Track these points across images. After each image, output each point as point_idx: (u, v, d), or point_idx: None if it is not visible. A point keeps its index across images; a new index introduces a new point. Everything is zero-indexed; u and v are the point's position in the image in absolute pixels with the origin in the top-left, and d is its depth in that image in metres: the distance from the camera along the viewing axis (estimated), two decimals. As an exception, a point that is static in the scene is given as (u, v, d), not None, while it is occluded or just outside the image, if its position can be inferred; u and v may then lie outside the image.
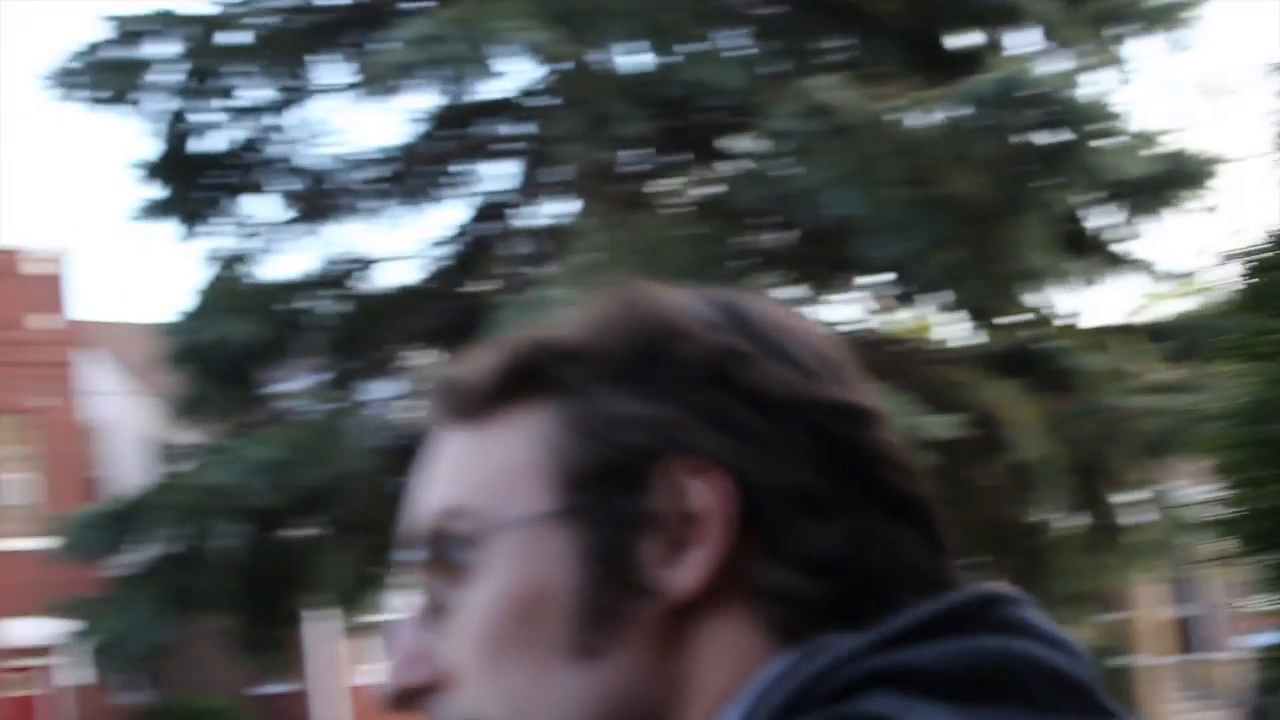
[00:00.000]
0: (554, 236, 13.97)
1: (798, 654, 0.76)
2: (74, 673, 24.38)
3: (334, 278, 15.04)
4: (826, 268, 13.19)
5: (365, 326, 14.58)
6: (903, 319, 14.08)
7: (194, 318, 14.39)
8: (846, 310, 14.12)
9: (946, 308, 13.28)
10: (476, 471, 0.82)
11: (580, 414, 0.81)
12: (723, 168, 13.87)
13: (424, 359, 15.42)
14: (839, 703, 0.73)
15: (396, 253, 15.47)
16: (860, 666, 0.74)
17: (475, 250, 15.16)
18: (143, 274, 67.85)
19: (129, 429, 27.98)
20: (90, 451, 26.50)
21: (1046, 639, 0.78)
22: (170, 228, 14.94)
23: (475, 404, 0.83)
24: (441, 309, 14.60)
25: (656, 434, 0.79)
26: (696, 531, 0.78)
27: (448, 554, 0.82)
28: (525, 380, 0.82)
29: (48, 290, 26.74)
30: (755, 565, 0.78)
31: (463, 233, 15.38)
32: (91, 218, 67.68)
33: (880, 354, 13.20)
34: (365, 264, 15.20)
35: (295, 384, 15.45)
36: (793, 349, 0.81)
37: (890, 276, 12.94)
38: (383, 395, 15.34)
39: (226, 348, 14.02)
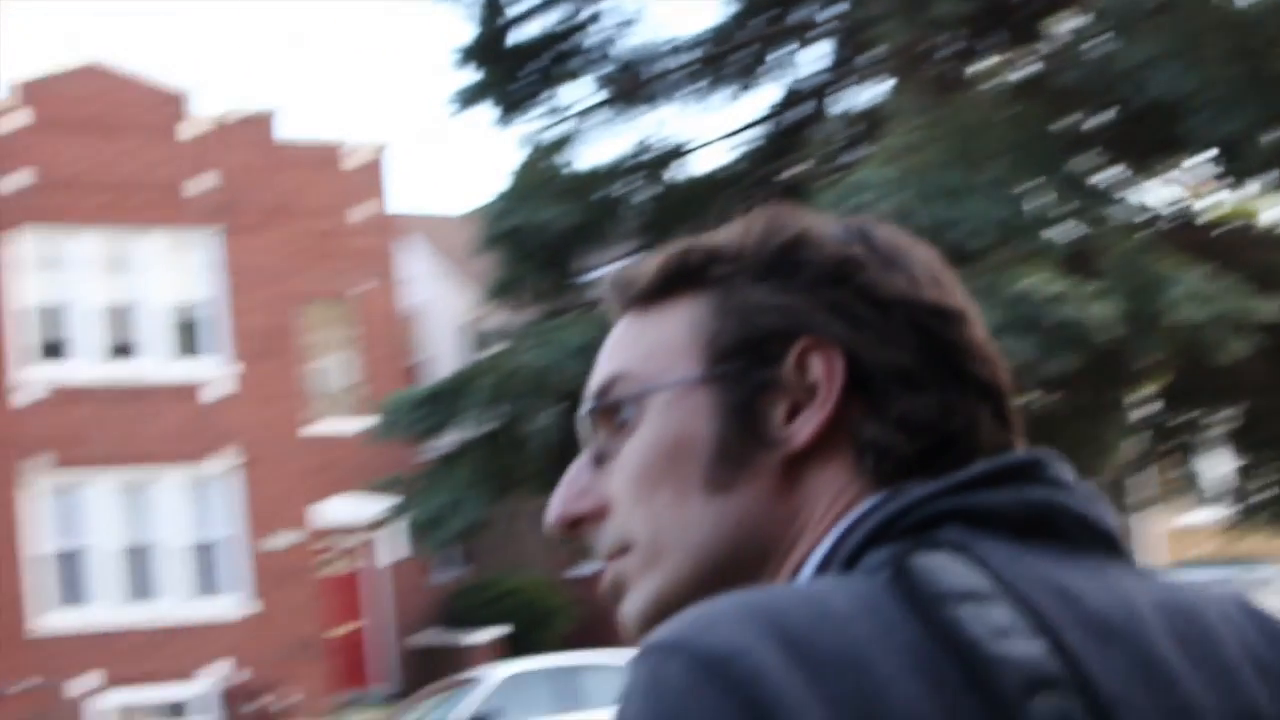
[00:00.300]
0: (868, 120, 14.32)
1: (885, 494, 1.02)
2: (392, 551, 26.00)
3: (647, 163, 15.60)
4: (1148, 148, 13.24)
5: (677, 211, 15.11)
6: (1228, 200, 14.04)
7: (509, 203, 15.05)
8: (1169, 191, 14.16)
9: (1274, 188, 13.21)
10: (641, 347, 1.10)
11: (726, 302, 1.08)
12: (1042, 47, 13.98)
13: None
14: (916, 535, 0.98)
15: (709, 137, 15.95)
16: (936, 506, 0.99)
17: (788, 134, 15.60)
18: (459, 163, 70.43)
19: (445, 314, 29.41)
20: (408, 336, 28.05)
21: (1083, 495, 1.03)
22: (486, 115, 15.75)
23: (643, 295, 1.12)
24: (753, 194, 15.10)
25: (787, 318, 1.06)
26: (813, 396, 1.05)
27: (614, 411, 1.10)
28: (683, 276, 1.10)
29: (368, 181, 28.30)
30: (858, 423, 1.04)
31: (775, 116, 15.83)
32: (410, 109, 70.44)
33: (1204, 236, 13.28)
34: (678, 149, 15.76)
35: (609, 268, 16.17)
36: (903, 261, 1.08)
37: (1215, 156, 12.93)
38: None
39: (541, 232, 14.73)
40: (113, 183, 24.15)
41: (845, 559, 1.00)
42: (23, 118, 23.86)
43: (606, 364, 1.13)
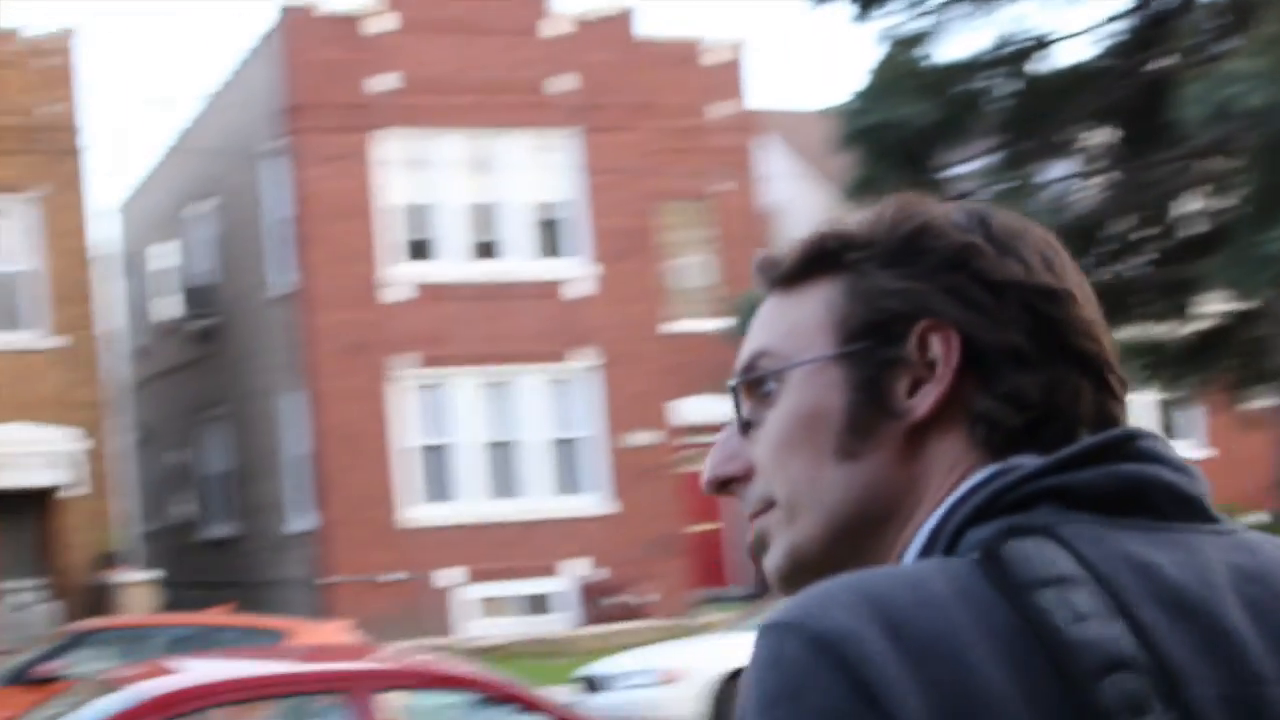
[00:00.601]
0: (1236, 10, 14.22)
1: (995, 468, 1.19)
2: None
3: (1008, 57, 15.82)
4: None
5: (1039, 106, 15.30)
6: None
7: (867, 100, 15.50)
8: None
9: None
10: (783, 326, 1.29)
11: (857, 286, 1.26)
12: None
13: (1099, 137, 16.08)
14: (1016, 513, 1.15)
15: (1073, 30, 16.09)
16: (1037, 485, 1.16)
17: (1154, 25, 15.59)
18: (817, 59, 70.67)
19: (802, 213, 29.96)
20: (766, 235, 28.78)
21: (1172, 465, 1.19)
22: (844, 10, 16.16)
23: (786, 278, 1.31)
24: (1118, 86, 15.16)
25: (910, 302, 1.23)
26: (932, 372, 1.23)
27: (759, 384, 1.29)
28: (820, 261, 1.28)
29: (726, 79, 29.09)
30: (971, 398, 1.22)
31: (1141, 8, 15.83)
32: (767, 5, 70.91)
33: None
34: (1041, 42, 15.90)
35: (968, 165, 16.46)
36: (1018, 247, 1.24)
37: None
38: (1058, 175, 16.13)
39: (899, 129, 15.11)
40: (476, 84, 25.55)
41: (952, 532, 1.18)
42: (390, 21, 25.46)
43: (753, 340, 1.32)
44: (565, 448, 25.82)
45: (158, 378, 33.45)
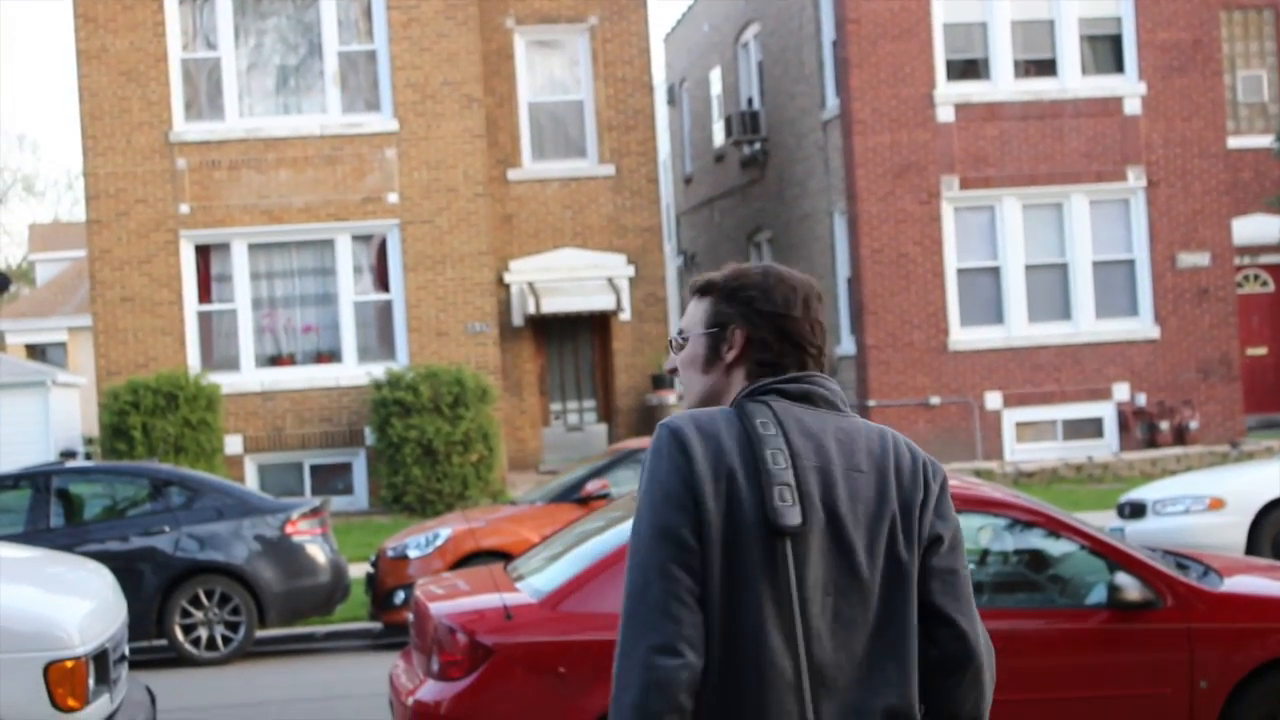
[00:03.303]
0: None
1: (754, 383, 3.29)
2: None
3: None
4: None
5: None
6: None
7: None
8: None
9: None
10: (693, 316, 3.40)
11: (713, 306, 3.36)
12: None
13: None
14: (756, 396, 3.24)
15: None
16: (766, 386, 3.26)
17: None
18: None
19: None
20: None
21: (824, 386, 3.26)
22: None
23: (695, 293, 3.42)
24: None
25: (729, 316, 3.33)
26: (733, 344, 3.33)
27: (681, 339, 3.42)
28: (704, 290, 3.40)
29: None
30: (749, 356, 3.31)
31: None
32: None
33: None
34: None
35: None
36: (773, 293, 3.30)
37: None
38: None
39: None
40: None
41: (742, 399, 3.25)
42: None
43: (683, 321, 3.39)
44: (1111, 270, 25.32)
45: (703, 205, 34.56)
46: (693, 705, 2.97)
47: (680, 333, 3.37)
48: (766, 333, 3.23)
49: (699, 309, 3.33)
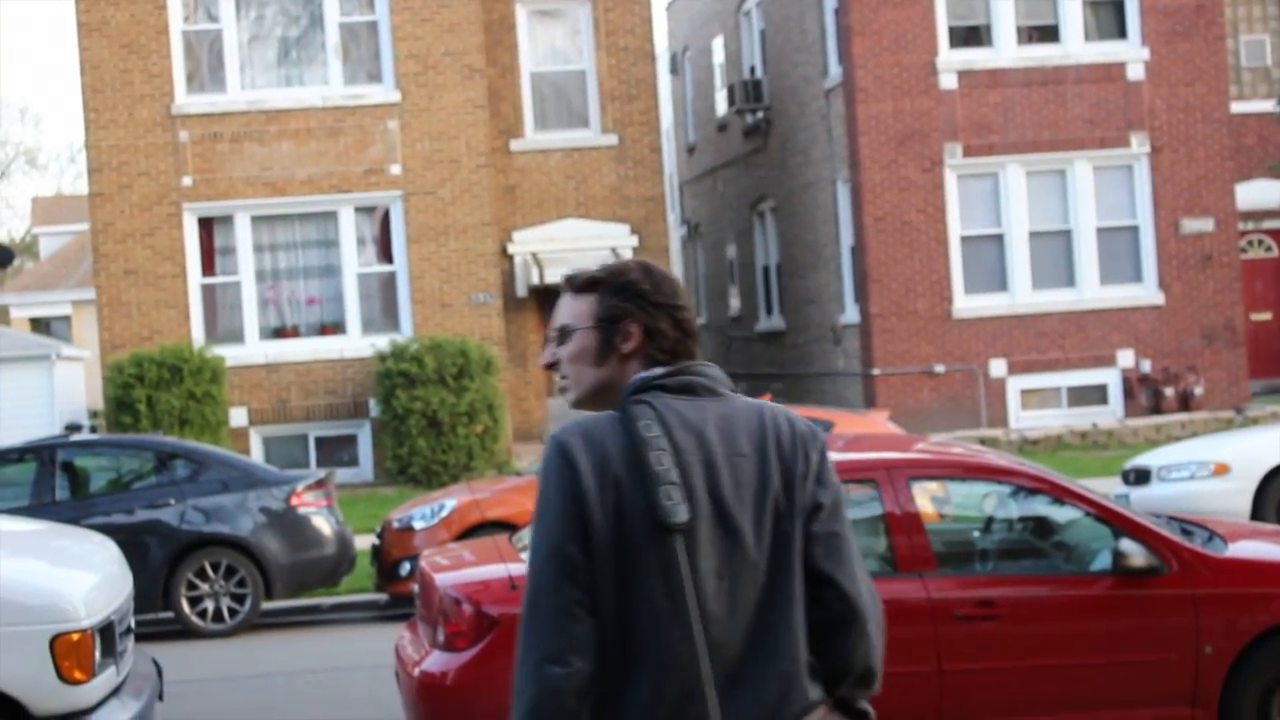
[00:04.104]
0: None
1: (642, 375, 3.37)
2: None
3: None
4: None
5: None
6: None
7: None
8: None
9: None
10: (576, 311, 3.45)
11: (601, 300, 3.42)
12: None
13: None
14: (644, 393, 3.33)
15: None
16: (652, 381, 3.36)
17: None
18: None
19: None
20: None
21: (704, 374, 3.38)
22: None
23: (576, 288, 3.47)
24: None
25: (621, 309, 3.40)
26: (631, 336, 3.40)
27: (563, 334, 3.45)
28: (590, 285, 3.44)
29: None
30: (646, 347, 3.40)
31: None
32: None
33: None
34: None
35: None
36: (663, 286, 3.41)
37: None
38: None
39: None
40: None
41: (624, 398, 3.34)
42: None
43: (561, 317, 3.47)
44: (1115, 236, 25.29)
45: (706, 174, 34.50)
46: (582, 708, 3.19)
47: (561, 328, 3.44)
48: (662, 322, 3.36)
49: (582, 304, 3.42)
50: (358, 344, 24.55)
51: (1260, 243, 28.33)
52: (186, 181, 24.32)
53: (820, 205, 27.21)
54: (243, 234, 24.62)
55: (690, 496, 3.20)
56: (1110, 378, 25.24)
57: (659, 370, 3.34)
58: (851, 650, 3.33)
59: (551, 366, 3.46)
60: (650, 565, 3.19)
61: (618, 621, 3.21)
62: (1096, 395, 25.27)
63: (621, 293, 3.38)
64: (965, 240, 25.09)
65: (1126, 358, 25.17)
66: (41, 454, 15.00)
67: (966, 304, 25.02)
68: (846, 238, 26.13)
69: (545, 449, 3.29)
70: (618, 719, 3.22)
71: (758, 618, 3.24)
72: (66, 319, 49.18)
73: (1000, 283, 25.17)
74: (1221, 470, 14.86)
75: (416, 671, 7.84)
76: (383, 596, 15.50)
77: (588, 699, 3.21)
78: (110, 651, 7.46)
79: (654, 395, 3.30)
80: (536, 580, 3.24)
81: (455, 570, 8.36)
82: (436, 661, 7.76)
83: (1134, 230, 25.37)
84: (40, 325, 48.81)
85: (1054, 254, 25.24)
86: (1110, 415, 25.12)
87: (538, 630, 3.22)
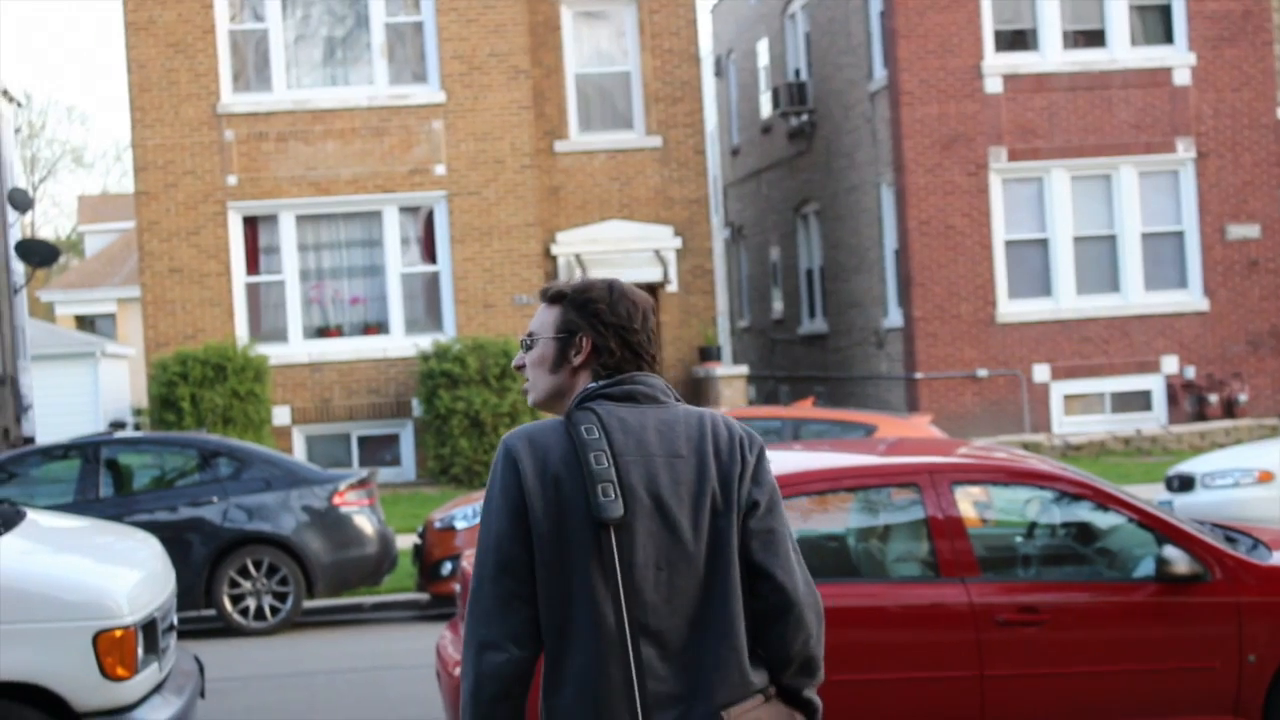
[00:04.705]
0: None
1: (590, 386, 3.66)
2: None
3: None
4: None
5: None
6: None
7: None
8: None
9: None
10: (543, 320, 3.73)
11: (564, 313, 3.69)
12: None
13: None
14: (590, 401, 3.62)
15: None
16: (598, 391, 3.64)
17: None
18: None
19: None
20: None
21: (647, 384, 3.65)
22: None
23: (546, 299, 3.75)
24: None
25: (576, 324, 3.67)
26: (581, 349, 3.67)
27: (530, 341, 3.74)
28: (557, 298, 3.72)
29: None
30: (594, 361, 3.67)
31: None
32: None
33: None
34: None
35: None
36: (619, 307, 3.66)
37: None
38: None
39: None
40: None
41: (573, 406, 3.62)
42: None
43: (532, 324, 3.75)
44: (1160, 242, 25.16)
45: (750, 176, 34.47)
46: (522, 690, 3.50)
47: (530, 335, 3.74)
48: (611, 341, 3.63)
49: (549, 315, 3.71)
50: (401, 344, 24.62)
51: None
52: (232, 180, 24.44)
53: (864, 208, 27.14)
54: (287, 233, 24.72)
55: (628, 493, 3.47)
56: (1154, 384, 25.11)
57: (604, 381, 3.64)
58: (791, 638, 3.55)
59: (520, 368, 3.77)
60: (587, 555, 3.45)
61: (558, 606, 3.48)
62: (1140, 401, 25.14)
63: (580, 309, 3.66)
64: (1009, 244, 24.99)
65: (1171, 364, 25.03)
66: (86, 451, 15.09)
67: (1010, 308, 24.92)
68: (890, 241, 26.06)
69: (496, 452, 3.60)
70: (558, 695, 3.49)
71: (698, 607, 3.50)
72: (111, 317, 49.51)
73: (1044, 287, 25.07)
74: (1266, 477, 14.76)
75: (457, 671, 7.86)
76: (424, 596, 15.54)
77: (525, 682, 3.50)
78: (153, 648, 7.50)
79: (598, 403, 3.58)
80: (479, 572, 3.54)
81: (496, 570, 8.34)
82: (477, 661, 7.76)
83: (1179, 236, 25.22)
84: (85, 323, 49.15)
85: (1099, 259, 25.12)
86: (1154, 421, 24.98)
87: (479, 617, 3.52)
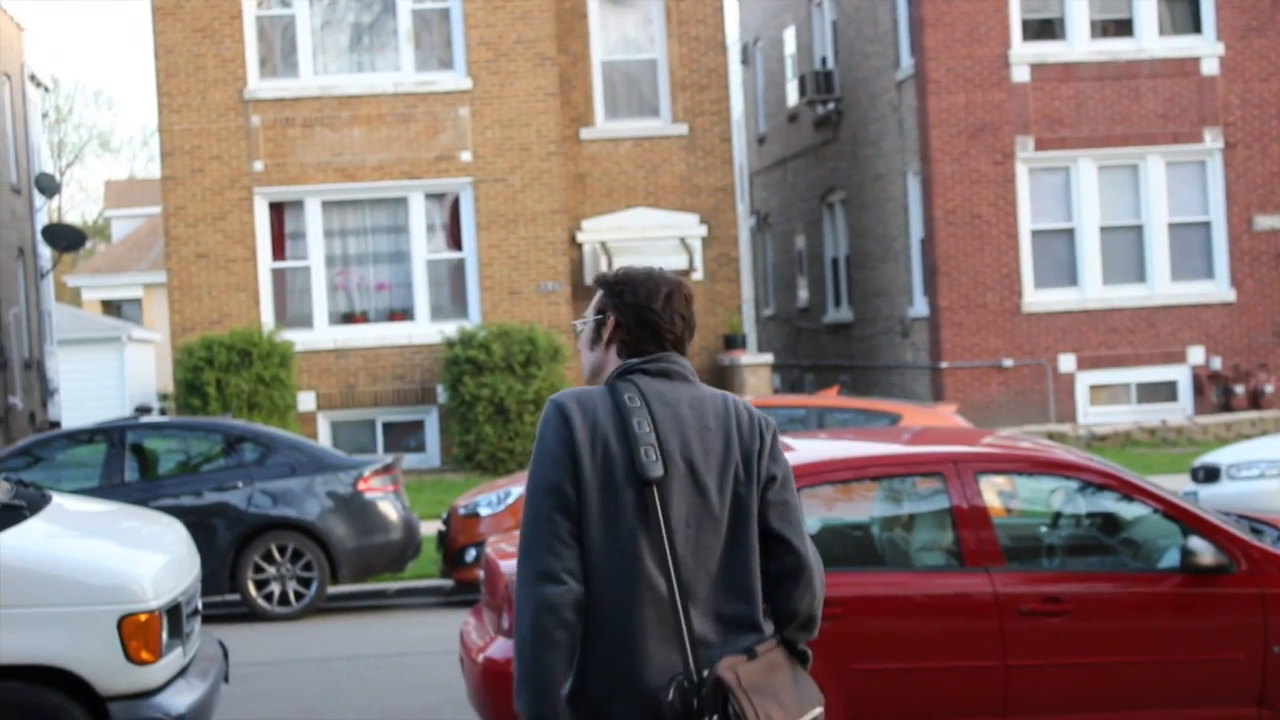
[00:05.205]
0: None
1: (624, 362, 4.10)
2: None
3: None
4: None
5: None
6: None
7: None
8: None
9: None
10: (594, 303, 4.19)
11: (601, 298, 4.16)
12: None
13: None
14: (626, 374, 4.10)
15: None
16: (634, 366, 4.08)
17: None
18: None
19: None
20: None
21: (678, 364, 4.09)
22: None
23: (599, 285, 4.19)
24: None
25: (609, 307, 4.13)
26: (610, 327, 4.12)
27: (584, 318, 4.21)
28: (599, 284, 4.19)
29: None
30: (622, 339, 4.10)
31: None
32: None
33: None
34: None
35: None
36: (640, 289, 4.11)
37: None
38: None
39: None
40: None
41: (611, 380, 4.07)
42: None
43: (590, 308, 4.20)
44: (1187, 232, 25.05)
45: (776, 165, 34.41)
46: (578, 621, 3.87)
47: (581, 318, 4.23)
48: (630, 320, 4.08)
49: (594, 300, 4.21)
50: (426, 330, 24.65)
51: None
52: (258, 166, 24.48)
53: (890, 197, 27.08)
54: (313, 219, 24.76)
55: (665, 457, 3.91)
56: (1180, 374, 25.01)
57: (641, 358, 4.08)
58: (799, 597, 4.03)
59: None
60: (631, 509, 3.90)
61: (605, 554, 3.90)
62: (1166, 392, 25.05)
63: (609, 292, 4.14)
64: (1036, 234, 24.91)
65: (1197, 354, 24.93)
66: (111, 435, 15.14)
67: (1036, 298, 24.84)
68: (916, 230, 25.99)
69: (545, 409, 4.02)
70: (600, 633, 3.92)
71: (721, 564, 3.96)
72: (137, 302, 49.66)
73: (1070, 277, 24.99)
74: (1293, 469, 14.69)
75: (481, 658, 7.87)
76: (448, 582, 15.56)
77: (580, 611, 3.88)
78: (177, 633, 7.53)
79: (637, 376, 4.04)
80: (534, 515, 3.94)
81: (519, 557, 8.35)
82: (501, 648, 7.78)
83: (1206, 226, 25.12)
84: (111, 308, 49.31)
85: (1125, 249, 25.03)
86: (1180, 412, 24.89)
87: (535, 554, 3.90)
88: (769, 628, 4.01)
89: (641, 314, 4.08)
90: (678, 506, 3.91)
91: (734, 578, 3.97)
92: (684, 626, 3.87)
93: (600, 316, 4.15)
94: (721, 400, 4.07)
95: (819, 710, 4.09)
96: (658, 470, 3.88)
